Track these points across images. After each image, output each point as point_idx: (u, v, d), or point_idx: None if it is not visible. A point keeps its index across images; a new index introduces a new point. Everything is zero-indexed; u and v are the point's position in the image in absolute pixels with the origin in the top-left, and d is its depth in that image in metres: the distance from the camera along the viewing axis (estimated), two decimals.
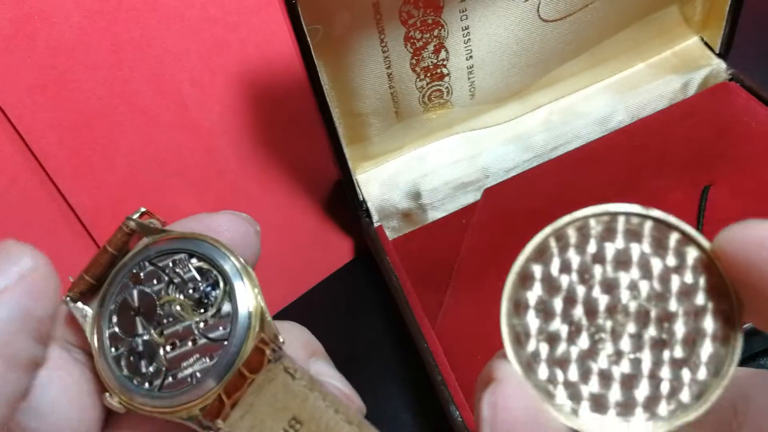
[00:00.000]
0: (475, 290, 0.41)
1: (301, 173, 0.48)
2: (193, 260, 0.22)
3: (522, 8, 0.41)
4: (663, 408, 0.18)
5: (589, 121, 0.47)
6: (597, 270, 0.18)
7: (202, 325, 0.22)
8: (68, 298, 0.23)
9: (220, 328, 0.22)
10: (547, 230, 0.18)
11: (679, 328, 0.18)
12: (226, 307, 0.22)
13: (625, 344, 0.18)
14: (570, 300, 0.18)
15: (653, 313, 0.18)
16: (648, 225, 0.18)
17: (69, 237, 0.42)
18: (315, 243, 0.48)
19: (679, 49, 0.49)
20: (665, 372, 0.18)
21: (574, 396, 0.18)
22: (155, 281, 0.22)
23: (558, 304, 0.18)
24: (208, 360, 0.21)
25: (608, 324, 0.18)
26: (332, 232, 0.49)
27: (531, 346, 0.18)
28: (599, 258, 0.18)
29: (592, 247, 0.18)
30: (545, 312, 0.18)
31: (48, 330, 0.18)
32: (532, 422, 0.17)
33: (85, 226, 0.42)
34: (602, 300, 0.18)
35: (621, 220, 0.18)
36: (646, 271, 0.18)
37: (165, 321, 0.22)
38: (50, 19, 0.40)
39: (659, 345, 0.18)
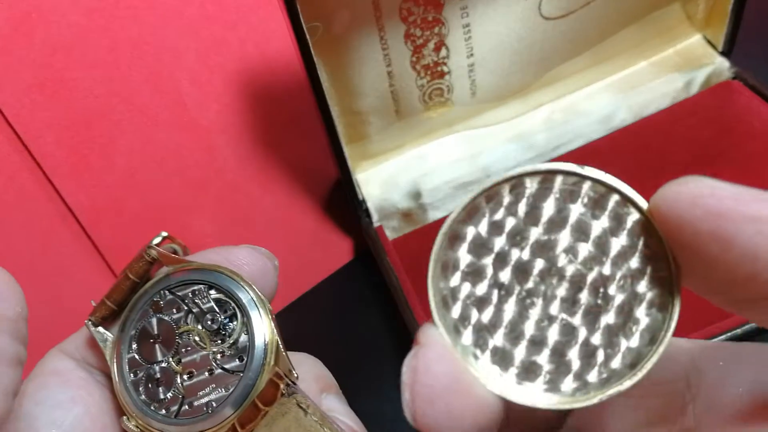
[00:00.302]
0: None
1: (300, 172, 0.47)
2: (212, 291, 0.23)
3: (523, 6, 0.41)
4: (594, 376, 0.17)
5: (591, 120, 0.47)
6: (530, 232, 0.17)
7: (219, 356, 0.23)
8: (90, 322, 0.24)
9: (237, 359, 0.23)
10: (478, 190, 0.17)
11: (615, 294, 0.17)
12: (243, 340, 0.23)
13: (558, 309, 0.17)
14: (500, 262, 0.17)
15: (588, 278, 0.17)
16: (586, 186, 0.17)
17: (67, 237, 0.42)
18: (315, 243, 0.48)
19: (682, 48, 0.49)
20: (598, 339, 0.17)
21: (502, 362, 0.17)
22: (175, 310, 0.23)
23: (488, 266, 0.17)
24: (223, 390, 0.22)
25: (541, 288, 0.17)
26: (332, 232, 0.49)
27: (457, 310, 0.18)
28: (533, 219, 0.17)
29: (525, 208, 0.17)
30: (474, 275, 0.18)
31: (23, 330, 0.19)
32: (453, 387, 0.17)
33: (83, 225, 0.42)
34: (535, 263, 0.17)
35: (558, 179, 0.17)
36: (581, 234, 0.17)
37: (183, 350, 0.23)
38: (48, 17, 0.39)
39: (594, 311, 0.17)
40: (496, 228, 0.17)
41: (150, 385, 0.23)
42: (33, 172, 0.40)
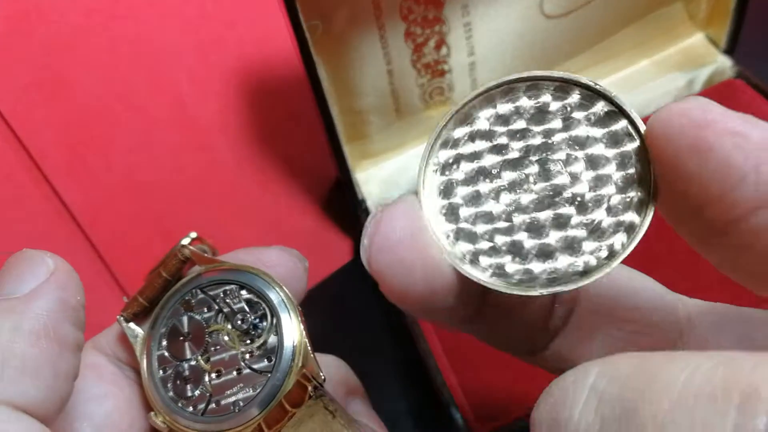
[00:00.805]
0: None
1: (299, 172, 0.47)
2: (243, 292, 0.24)
3: (524, 4, 0.41)
4: (543, 272, 0.17)
5: None
6: (531, 132, 0.18)
7: (247, 355, 0.23)
8: (122, 318, 0.24)
9: (265, 360, 0.23)
10: (497, 82, 0.18)
11: (589, 206, 0.17)
12: (272, 340, 0.23)
13: (531, 205, 0.18)
14: (495, 152, 0.18)
15: (570, 186, 0.18)
16: (599, 104, 0.18)
17: (64, 236, 0.41)
18: (314, 243, 0.48)
19: (684, 46, 0.49)
20: (559, 242, 0.17)
21: (465, 236, 0.18)
22: (206, 309, 0.24)
23: (483, 152, 0.18)
24: (251, 390, 0.23)
25: (523, 183, 0.18)
26: (332, 232, 0.49)
27: (442, 180, 0.18)
28: (537, 121, 0.18)
29: (533, 110, 0.18)
30: (468, 158, 0.18)
31: (82, 318, 0.20)
32: (409, 241, 0.17)
33: (81, 225, 0.42)
34: (525, 161, 0.18)
35: (574, 92, 0.18)
36: (578, 146, 0.18)
37: (212, 348, 0.23)
38: (46, 17, 0.39)
39: (564, 215, 0.18)
40: (500, 120, 0.18)
41: (178, 382, 0.23)
42: (30, 172, 0.40)
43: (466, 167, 0.18)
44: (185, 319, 0.24)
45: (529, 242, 0.18)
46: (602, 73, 0.48)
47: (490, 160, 0.18)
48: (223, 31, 0.43)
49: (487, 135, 0.18)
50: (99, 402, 0.23)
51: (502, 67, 0.44)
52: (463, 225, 0.18)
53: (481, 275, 0.18)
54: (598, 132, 0.17)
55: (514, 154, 0.18)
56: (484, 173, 0.18)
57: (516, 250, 0.18)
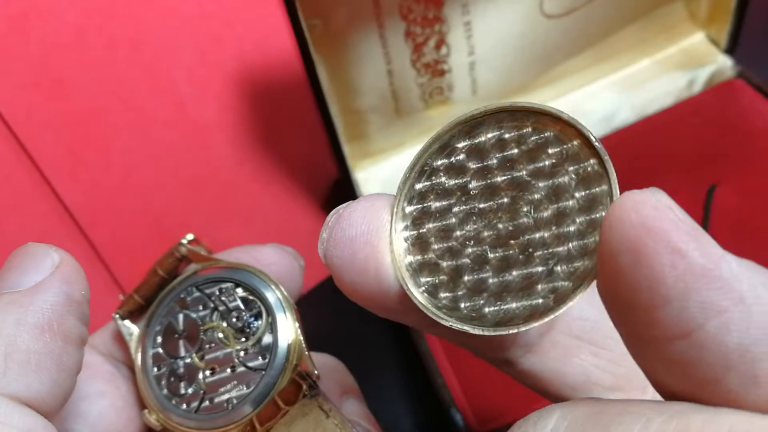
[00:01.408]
0: None
1: (299, 171, 0.47)
2: (239, 290, 0.24)
3: (525, 3, 0.41)
4: (491, 312, 0.17)
5: (593, 118, 0.47)
6: (509, 165, 0.18)
7: (242, 353, 0.23)
8: (117, 316, 0.24)
9: (260, 357, 0.23)
10: (481, 110, 0.18)
11: (543, 252, 0.17)
12: (267, 338, 0.23)
13: (490, 239, 0.18)
14: (475, 178, 0.18)
15: (531, 232, 0.17)
16: (575, 141, 0.17)
17: (64, 237, 0.41)
18: (314, 243, 0.48)
19: (685, 46, 0.49)
20: (508, 280, 0.17)
21: (419, 249, 0.18)
22: (201, 307, 0.24)
23: (462, 177, 0.18)
24: (245, 387, 0.22)
25: (490, 213, 0.18)
26: None
27: (418, 197, 0.18)
28: (513, 159, 0.18)
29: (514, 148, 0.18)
30: (451, 170, 0.18)
31: (86, 311, 0.20)
32: (366, 240, 0.17)
33: (80, 225, 0.42)
34: (499, 196, 0.18)
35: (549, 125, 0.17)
36: (553, 193, 0.17)
37: (207, 346, 0.23)
38: (45, 16, 0.39)
39: (514, 258, 0.17)
40: (477, 152, 0.18)
41: (172, 380, 0.23)
42: (30, 172, 0.40)
43: (437, 196, 0.18)
44: (180, 316, 0.24)
45: (481, 277, 0.17)
46: (602, 73, 0.48)
47: (470, 187, 0.18)
48: (223, 30, 0.42)
49: (463, 165, 0.18)
50: (94, 400, 0.23)
51: (502, 67, 0.43)
52: (420, 238, 0.18)
53: (420, 298, 0.17)
54: (578, 191, 0.17)
55: (493, 183, 0.18)
56: (458, 197, 0.18)
57: (469, 285, 0.17)
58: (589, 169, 0.17)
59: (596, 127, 0.47)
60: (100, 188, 0.42)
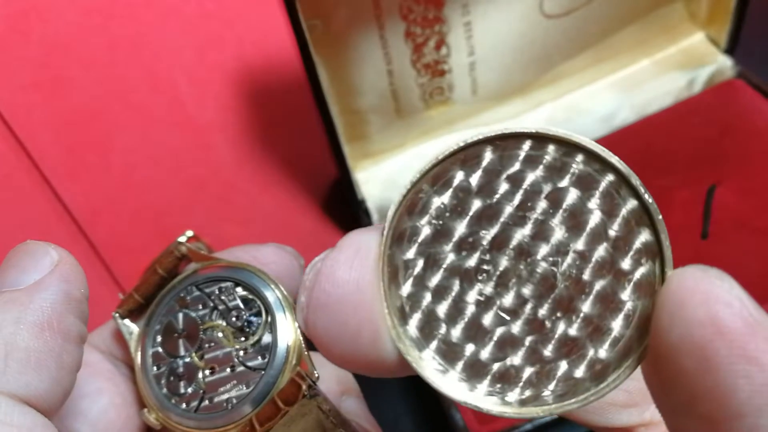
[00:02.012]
0: None
1: (299, 172, 0.47)
2: (239, 289, 0.23)
3: (525, 4, 0.41)
4: (512, 394, 0.15)
5: (593, 118, 0.47)
6: (504, 209, 0.15)
7: (241, 353, 0.23)
8: (117, 314, 0.24)
9: (259, 357, 0.23)
10: (453, 148, 0.15)
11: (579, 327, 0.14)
12: (267, 338, 0.23)
13: (511, 300, 0.15)
14: (481, 217, 0.15)
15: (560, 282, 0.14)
16: (578, 159, 0.15)
17: (64, 236, 0.41)
18: (314, 243, 0.48)
19: (685, 46, 0.49)
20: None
21: (428, 325, 0.15)
22: (201, 306, 0.24)
23: (464, 218, 0.15)
24: (244, 387, 0.22)
25: (505, 265, 0.15)
26: (331, 233, 0.49)
27: (411, 251, 0.15)
28: (511, 194, 0.15)
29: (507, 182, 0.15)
30: (442, 231, 0.15)
31: (85, 309, 0.20)
32: (354, 301, 0.14)
33: (80, 224, 0.41)
34: (512, 235, 0.15)
35: (549, 149, 0.15)
36: (574, 229, 0.14)
37: (207, 346, 0.23)
38: (45, 16, 0.39)
39: (545, 326, 0.15)
40: (486, 186, 0.15)
41: (172, 379, 0.23)
42: (30, 172, 0.40)
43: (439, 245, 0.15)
44: (180, 315, 0.24)
45: (513, 356, 0.15)
46: (602, 73, 0.48)
47: (477, 232, 0.15)
48: (223, 30, 0.42)
49: (467, 209, 0.15)
50: (93, 399, 0.23)
51: (502, 67, 0.43)
52: (428, 311, 0.15)
53: (434, 378, 0.15)
54: (617, 239, 0.14)
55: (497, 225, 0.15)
56: (464, 244, 0.15)
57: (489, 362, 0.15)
58: (628, 214, 0.14)
59: (596, 127, 0.47)
60: (99, 188, 0.41)
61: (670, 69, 0.48)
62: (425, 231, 0.15)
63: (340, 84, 0.39)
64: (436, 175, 0.15)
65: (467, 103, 0.45)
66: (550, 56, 0.44)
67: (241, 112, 0.44)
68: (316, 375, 0.22)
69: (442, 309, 0.15)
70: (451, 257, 0.15)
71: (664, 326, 0.12)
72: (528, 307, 0.15)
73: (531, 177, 0.15)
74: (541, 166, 0.15)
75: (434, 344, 0.15)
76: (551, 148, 0.15)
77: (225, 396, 0.22)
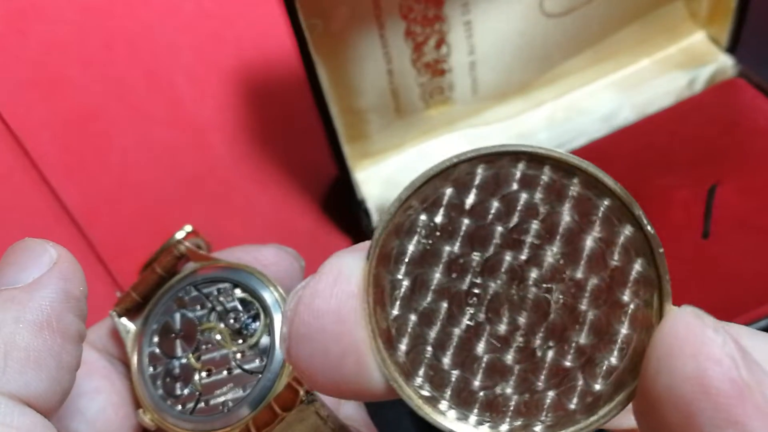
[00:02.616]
0: None
1: (298, 172, 0.47)
2: (237, 290, 0.23)
3: (525, 3, 0.40)
4: (503, 425, 0.14)
5: (593, 118, 0.47)
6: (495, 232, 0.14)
7: (239, 355, 0.22)
8: (114, 313, 0.24)
9: (257, 360, 0.22)
10: (437, 168, 0.14)
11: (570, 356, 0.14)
12: (265, 341, 0.22)
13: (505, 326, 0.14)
14: (474, 236, 0.14)
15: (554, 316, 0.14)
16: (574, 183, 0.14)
17: (62, 235, 0.41)
18: (313, 244, 0.48)
19: (685, 45, 0.49)
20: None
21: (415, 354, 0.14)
22: (199, 307, 0.23)
23: (460, 233, 0.14)
24: (241, 390, 0.22)
25: (497, 287, 0.14)
26: (331, 233, 0.49)
27: (401, 270, 0.14)
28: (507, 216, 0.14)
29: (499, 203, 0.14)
30: (445, 230, 0.14)
31: (84, 309, 0.20)
32: (336, 333, 0.14)
33: (78, 224, 0.41)
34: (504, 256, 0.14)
35: (545, 170, 0.14)
36: (573, 251, 0.14)
37: (204, 347, 0.23)
38: (44, 15, 0.39)
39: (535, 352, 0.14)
40: (479, 209, 0.14)
41: (168, 380, 0.23)
42: (28, 171, 0.40)
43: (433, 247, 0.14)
44: (177, 316, 0.23)
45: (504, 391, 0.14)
46: (603, 72, 0.48)
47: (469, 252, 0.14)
48: (222, 29, 0.42)
49: (457, 230, 0.14)
50: (90, 397, 0.23)
51: (502, 66, 0.43)
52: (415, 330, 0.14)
53: (421, 406, 0.14)
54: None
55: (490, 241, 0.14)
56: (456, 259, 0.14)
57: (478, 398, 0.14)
58: (627, 243, 0.14)
59: (596, 127, 0.47)
60: (98, 187, 0.41)
61: (670, 68, 0.48)
62: (414, 251, 0.14)
63: (340, 83, 0.39)
64: (426, 193, 0.14)
65: (467, 103, 0.45)
66: (550, 55, 0.44)
67: (241, 112, 0.44)
68: None
69: (430, 333, 0.14)
70: (440, 279, 0.14)
71: (652, 372, 0.12)
72: (519, 335, 0.14)
73: (527, 198, 0.14)
74: (538, 188, 0.14)
75: (422, 370, 0.14)
76: (548, 168, 0.14)
77: (221, 398, 0.22)
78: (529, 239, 0.14)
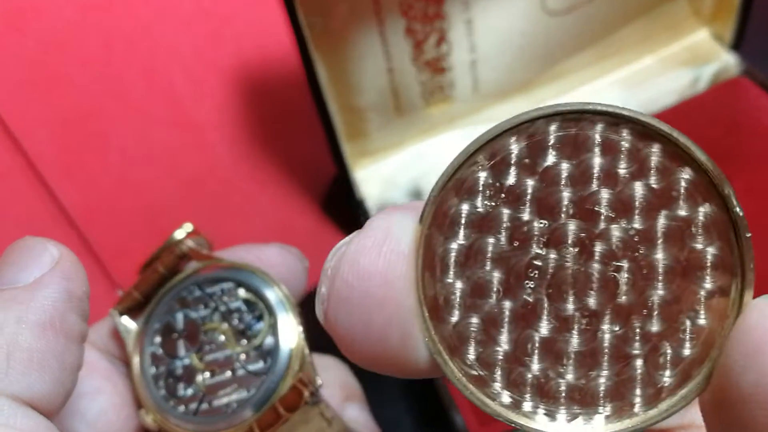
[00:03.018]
0: None
1: (297, 170, 0.47)
2: (241, 290, 0.23)
3: (527, 0, 0.40)
4: (559, 412, 0.13)
5: None
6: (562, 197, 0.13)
7: (243, 356, 0.22)
8: (115, 312, 0.24)
9: (261, 361, 0.22)
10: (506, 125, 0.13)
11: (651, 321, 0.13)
12: (269, 342, 0.22)
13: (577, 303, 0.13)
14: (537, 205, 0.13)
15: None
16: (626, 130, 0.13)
17: (60, 236, 0.41)
18: (312, 243, 0.48)
19: (689, 43, 0.48)
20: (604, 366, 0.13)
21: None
22: (202, 307, 0.23)
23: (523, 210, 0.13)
24: (245, 392, 0.22)
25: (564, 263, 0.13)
26: (330, 233, 0.49)
27: (460, 235, 0.13)
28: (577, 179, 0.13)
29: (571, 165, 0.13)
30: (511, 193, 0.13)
31: (87, 309, 0.19)
32: (382, 297, 0.12)
33: (76, 224, 0.41)
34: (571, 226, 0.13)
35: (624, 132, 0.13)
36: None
37: (207, 347, 0.23)
38: (42, 13, 0.39)
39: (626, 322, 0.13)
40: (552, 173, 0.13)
41: (170, 381, 0.22)
42: (25, 171, 0.40)
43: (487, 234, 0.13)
44: (180, 315, 0.23)
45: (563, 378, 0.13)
46: (606, 70, 0.48)
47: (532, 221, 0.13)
48: (220, 27, 0.42)
49: (523, 196, 0.13)
50: (92, 398, 0.23)
51: (503, 65, 0.43)
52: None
53: (473, 390, 0.13)
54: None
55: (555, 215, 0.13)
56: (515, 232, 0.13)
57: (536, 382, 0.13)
58: (710, 223, 0.13)
59: None
60: (96, 186, 0.41)
61: (674, 66, 0.48)
62: (474, 212, 0.13)
63: (340, 81, 0.39)
64: (495, 149, 0.13)
65: (468, 101, 0.44)
66: (552, 53, 0.44)
67: (239, 110, 0.44)
68: (319, 382, 0.22)
69: (483, 306, 0.13)
70: (500, 247, 0.13)
71: (735, 368, 0.11)
72: (582, 315, 0.13)
73: (604, 165, 0.13)
74: (618, 154, 0.13)
75: (471, 347, 0.13)
76: (631, 133, 0.13)
77: (225, 400, 0.22)
78: (602, 210, 0.13)
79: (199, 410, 0.22)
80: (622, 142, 0.13)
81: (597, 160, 0.13)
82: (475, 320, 0.13)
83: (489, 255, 0.13)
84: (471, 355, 0.13)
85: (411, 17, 0.38)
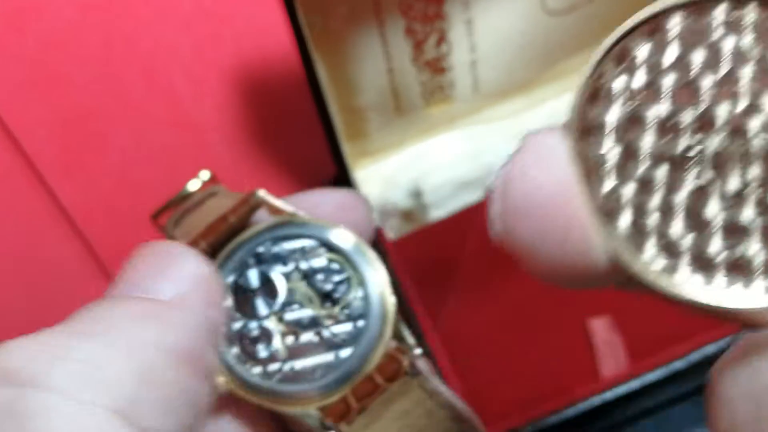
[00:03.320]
0: (480, 292, 0.40)
1: (297, 171, 0.47)
2: (323, 249, 0.21)
3: (527, 0, 0.40)
4: (756, 285, 0.12)
5: None
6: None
7: (328, 320, 0.20)
8: None
9: (350, 324, 0.20)
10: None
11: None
12: (358, 305, 0.20)
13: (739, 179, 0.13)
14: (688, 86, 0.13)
15: None
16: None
17: (59, 236, 0.41)
18: None
19: None
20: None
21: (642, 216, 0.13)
22: (281, 264, 0.21)
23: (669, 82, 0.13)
24: (333, 357, 0.20)
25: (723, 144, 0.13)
26: None
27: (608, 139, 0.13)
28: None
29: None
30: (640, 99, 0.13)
31: (222, 341, 0.17)
32: (559, 201, 0.13)
33: (76, 224, 0.41)
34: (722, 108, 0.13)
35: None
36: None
37: (287, 308, 0.21)
38: (41, 13, 0.39)
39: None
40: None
41: (246, 342, 0.20)
42: (25, 171, 0.40)
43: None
44: (256, 272, 0.21)
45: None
46: None
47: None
48: (220, 27, 0.42)
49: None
50: None
51: (504, 65, 0.43)
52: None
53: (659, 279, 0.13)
54: None
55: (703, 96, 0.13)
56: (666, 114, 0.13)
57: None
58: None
59: None
60: (95, 187, 0.41)
61: None
62: (617, 117, 0.13)
63: (339, 81, 0.39)
64: (620, 54, 0.13)
65: (468, 101, 0.44)
66: (552, 53, 0.44)
67: (239, 110, 0.44)
68: (418, 351, 0.20)
69: (653, 202, 0.13)
70: (652, 143, 0.13)
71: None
72: (753, 188, 0.13)
73: (735, 43, 0.13)
74: (745, 30, 0.13)
75: (651, 241, 0.13)
76: (754, 6, 0.13)
77: (311, 363, 0.20)
78: (743, 87, 0.13)
79: (279, 373, 0.20)
80: (748, 17, 0.13)
81: (727, 40, 0.13)
82: (649, 215, 0.13)
83: (646, 152, 0.13)
84: (652, 249, 0.13)
85: (411, 17, 0.38)
